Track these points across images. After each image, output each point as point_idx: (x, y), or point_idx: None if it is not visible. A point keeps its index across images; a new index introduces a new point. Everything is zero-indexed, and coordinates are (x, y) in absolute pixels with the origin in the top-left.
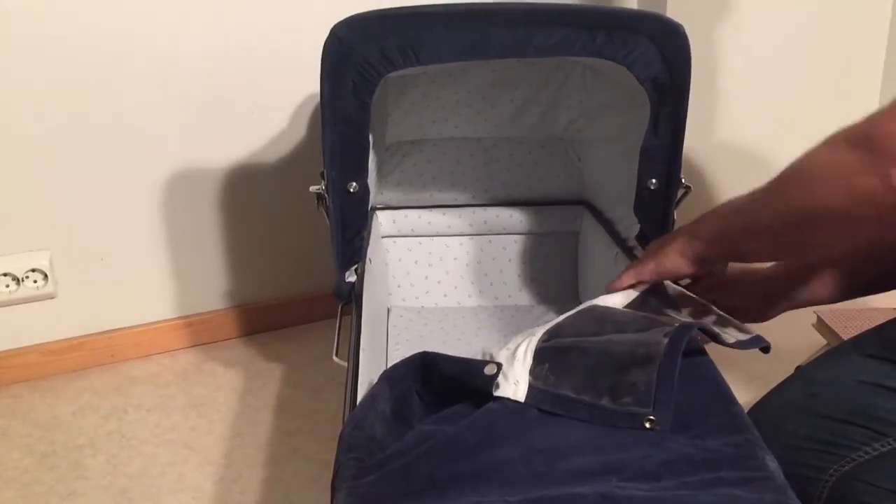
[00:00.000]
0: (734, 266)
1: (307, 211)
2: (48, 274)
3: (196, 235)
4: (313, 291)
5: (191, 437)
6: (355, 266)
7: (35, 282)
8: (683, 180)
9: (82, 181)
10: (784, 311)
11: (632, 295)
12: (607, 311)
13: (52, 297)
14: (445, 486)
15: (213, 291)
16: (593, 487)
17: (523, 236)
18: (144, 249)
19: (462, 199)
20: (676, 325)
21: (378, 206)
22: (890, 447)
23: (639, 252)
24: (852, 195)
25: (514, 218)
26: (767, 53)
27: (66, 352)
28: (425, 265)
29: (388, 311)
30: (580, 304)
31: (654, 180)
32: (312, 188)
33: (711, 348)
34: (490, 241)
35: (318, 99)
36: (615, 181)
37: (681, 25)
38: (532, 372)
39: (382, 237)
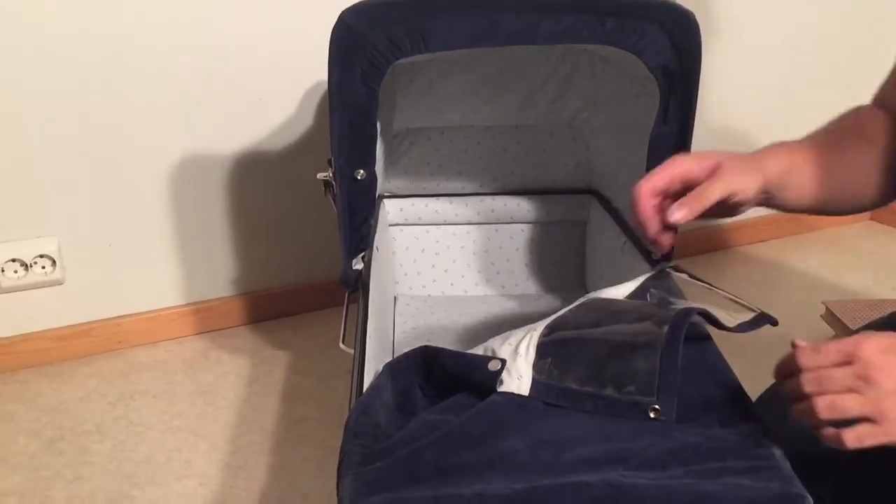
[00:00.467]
0: None
1: (314, 198)
2: (56, 260)
3: (203, 222)
4: (320, 279)
5: (197, 424)
6: (362, 254)
7: (43, 267)
8: None
9: (90, 168)
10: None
11: (633, 286)
12: (608, 303)
13: (60, 283)
14: (451, 473)
15: (220, 279)
16: (599, 476)
17: (531, 225)
18: (152, 236)
19: (469, 187)
20: (676, 310)
21: (385, 195)
22: None
23: (646, 242)
24: None
25: (521, 207)
26: (773, 43)
27: (73, 337)
28: (432, 254)
29: (395, 299)
30: (587, 293)
31: None
32: (320, 175)
33: (719, 337)
34: (497, 230)
35: (325, 86)
36: (623, 170)
37: (691, 13)
38: (535, 366)
39: (389, 225)
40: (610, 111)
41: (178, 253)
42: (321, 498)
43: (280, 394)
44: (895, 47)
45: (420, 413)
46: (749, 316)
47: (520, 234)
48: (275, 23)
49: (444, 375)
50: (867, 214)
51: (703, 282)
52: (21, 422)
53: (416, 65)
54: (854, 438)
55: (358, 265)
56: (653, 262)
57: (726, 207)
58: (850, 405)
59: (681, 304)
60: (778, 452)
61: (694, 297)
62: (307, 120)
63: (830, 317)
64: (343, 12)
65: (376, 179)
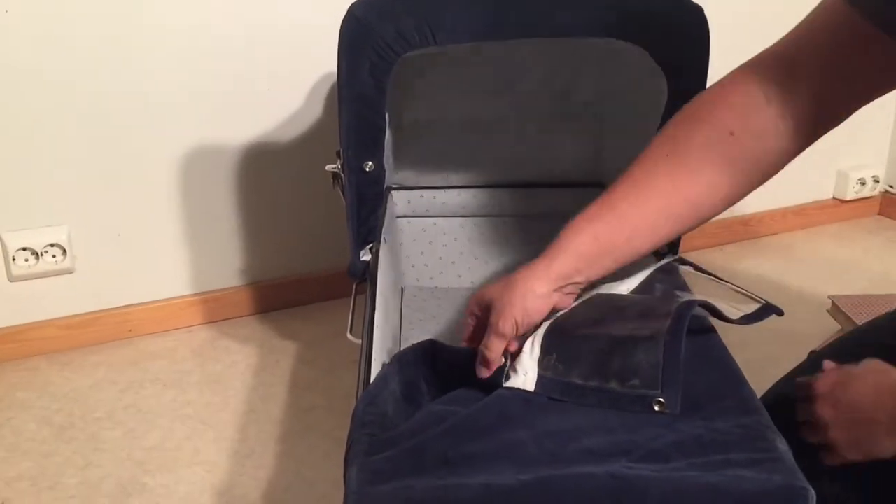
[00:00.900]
0: None
1: (323, 189)
2: (66, 249)
3: (212, 213)
4: (328, 270)
5: (206, 413)
6: (370, 245)
7: (54, 256)
8: None
9: (100, 158)
10: None
11: (638, 279)
12: (612, 298)
13: (70, 272)
14: (458, 463)
15: (229, 268)
16: (603, 467)
17: (539, 218)
18: (161, 226)
19: (477, 180)
20: (679, 303)
21: (393, 186)
22: None
23: None
24: None
25: (529, 199)
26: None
27: (83, 326)
28: (440, 245)
29: (402, 290)
30: (593, 287)
31: None
32: (329, 167)
33: (723, 330)
34: (505, 223)
35: (335, 78)
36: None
37: (699, 6)
38: (540, 363)
39: (397, 217)
40: (618, 104)
41: (187, 243)
42: (328, 486)
43: (288, 383)
44: None
45: (426, 404)
46: (754, 307)
47: (528, 227)
48: (284, 13)
49: (451, 371)
50: (875, 209)
51: (709, 274)
52: (32, 409)
53: (426, 57)
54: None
55: (366, 256)
56: (659, 256)
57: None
58: (808, 435)
59: (685, 297)
60: (781, 445)
61: (700, 289)
62: (316, 111)
63: (836, 311)
64: (352, 5)
65: (384, 171)
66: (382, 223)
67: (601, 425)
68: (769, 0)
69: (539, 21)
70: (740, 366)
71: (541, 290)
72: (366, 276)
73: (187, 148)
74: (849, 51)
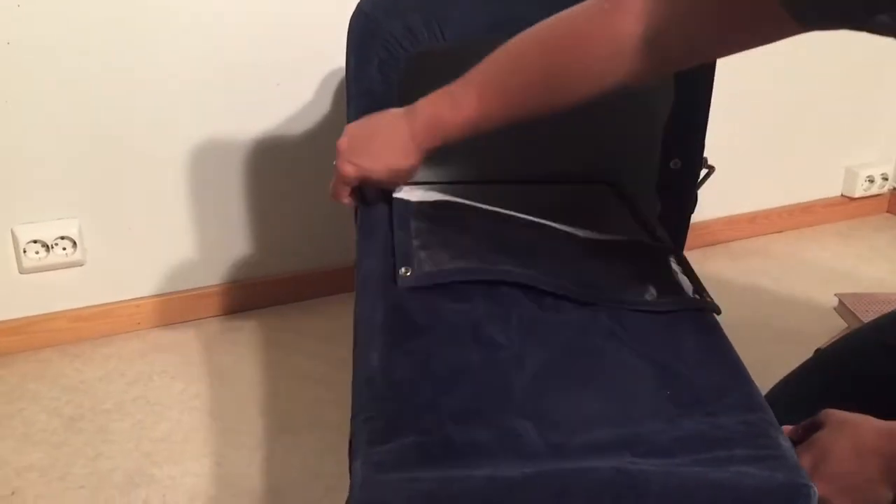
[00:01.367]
0: None
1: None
2: (77, 242)
3: (221, 207)
4: (336, 264)
5: (214, 405)
6: None
7: (64, 249)
8: (708, 160)
9: (110, 152)
10: None
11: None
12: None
13: (80, 265)
14: (462, 454)
15: (237, 262)
16: (608, 462)
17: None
18: (170, 220)
19: (482, 176)
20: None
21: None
22: None
23: (660, 232)
24: None
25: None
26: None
27: (93, 318)
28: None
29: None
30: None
31: (677, 160)
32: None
33: (729, 328)
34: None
35: (343, 73)
36: (638, 159)
37: None
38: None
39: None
40: (624, 101)
41: (195, 236)
42: (334, 479)
43: (295, 377)
44: None
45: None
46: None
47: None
48: (294, 8)
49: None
50: (884, 207)
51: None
52: (43, 400)
53: (433, 52)
54: None
55: None
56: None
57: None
58: None
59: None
60: (784, 442)
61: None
62: (325, 106)
63: (843, 309)
64: (361, 1)
65: None
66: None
67: (607, 417)
68: None
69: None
70: (745, 363)
71: (418, 167)
72: None
73: (196, 142)
74: (746, 16)
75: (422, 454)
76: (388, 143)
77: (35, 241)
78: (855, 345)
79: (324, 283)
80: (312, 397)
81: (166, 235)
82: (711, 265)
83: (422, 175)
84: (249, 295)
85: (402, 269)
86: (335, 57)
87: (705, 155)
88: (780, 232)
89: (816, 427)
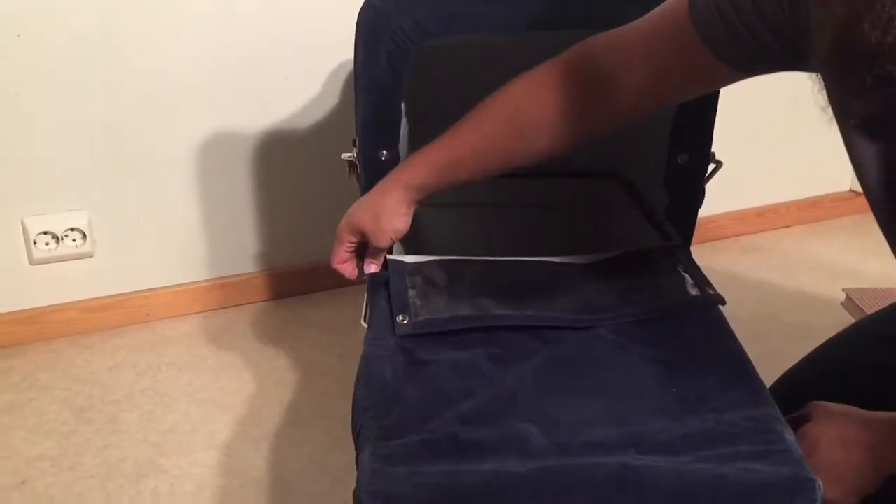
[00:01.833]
0: None
1: (339, 177)
2: (86, 233)
3: (230, 199)
4: None
5: (221, 396)
6: None
7: (74, 241)
8: (715, 155)
9: (120, 145)
10: None
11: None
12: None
13: (90, 256)
14: (469, 450)
15: (245, 254)
16: (612, 458)
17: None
18: (179, 212)
19: None
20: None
21: None
22: None
23: (667, 227)
24: None
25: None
26: None
27: (103, 309)
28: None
29: None
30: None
31: (685, 155)
32: (345, 156)
33: (734, 323)
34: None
35: (352, 66)
36: (646, 152)
37: None
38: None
39: None
40: None
41: (204, 229)
42: (341, 471)
43: (302, 369)
44: None
45: (429, 366)
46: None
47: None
48: (302, 2)
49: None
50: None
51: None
52: (53, 390)
53: (441, 45)
54: None
55: None
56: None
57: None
58: None
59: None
60: (789, 437)
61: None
62: (333, 99)
63: (851, 304)
64: None
65: (400, 160)
66: None
67: (611, 416)
68: None
69: (556, 13)
70: (752, 358)
71: (405, 209)
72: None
73: (205, 135)
74: (678, 61)
75: (429, 450)
76: (371, 191)
77: (45, 233)
78: (854, 338)
79: (331, 276)
80: (320, 390)
81: (175, 228)
82: (719, 260)
83: None
84: (258, 287)
85: (400, 317)
86: (343, 50)
87: (713, 149)
88: (788, 227)
89: (804, 419)
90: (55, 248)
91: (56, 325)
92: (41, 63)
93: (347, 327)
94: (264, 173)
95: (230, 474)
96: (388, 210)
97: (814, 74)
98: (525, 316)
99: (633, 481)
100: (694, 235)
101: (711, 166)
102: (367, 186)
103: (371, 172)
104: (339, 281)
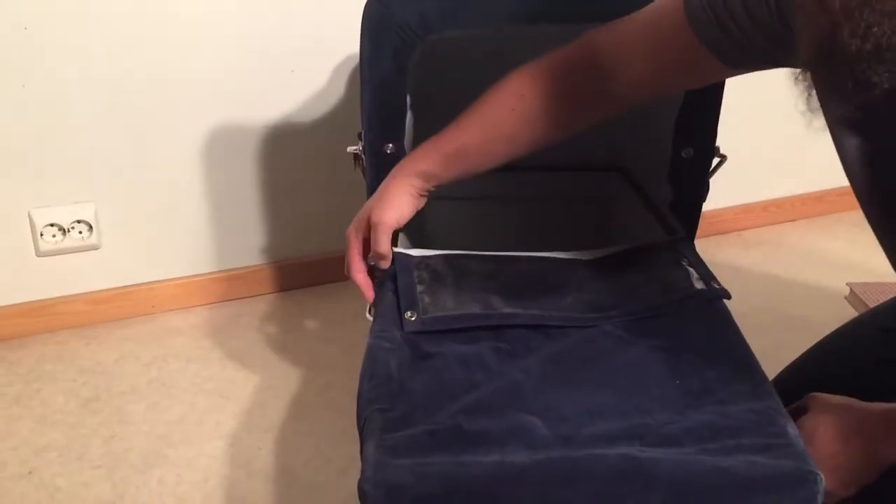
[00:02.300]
0: None
1: (344, 170)
2: (93, 225)
3: (235, 191)
4: None
5: (227, 388)
6: None
7: (80, 233)
8: (720, 149)
9: (127, 137)
10: None
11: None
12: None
13: (96, 248)
14: (473, 441)
15: (251, 247)
16: (616, 450)
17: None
18: (185, 204)
19: None
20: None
21: None
22: None
23: (671, 220)
24: None
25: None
26: None
27: (109, 301)
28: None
29: None
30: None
31: (689, 149)
32: (350, 149)
33: (738, 316)
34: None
35: (357, 59)
36: (649, 147)
37: None
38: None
39: None
40: None
41: (210, 221)
42: (346, 462)
43: (307, 361)
44: None
45: (433, 358)
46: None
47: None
48: None
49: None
50: None
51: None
52: (60, 381)
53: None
54: None
55: None
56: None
57: None
58: None
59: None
60: (792, 430)
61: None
62: (338, 92)
63: (854, 298)
64: None
65: (405, 154)
66: None
67: (616, 408)
68: None
69: (560, 7)
70: (755, 352)
71: (410, 194)
72: None
73: (211, 127)
74: (674, 57)
75: (433, 441)
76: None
77: (52, 225)
78: (855, 330)
79: (336, 269)
80: (325, 382)
81: (181, 220)
82: (724, 254)
83: None
84: (263, 279)
85: (408, 313)
86: (349, 44)
87: (717, 143)
88: (793, 221)
89: (802, 411)
90: (62, 241)
91: (62, 317)
92: (47, 56)
93: (353, 320)
94: (270, 166)
95: (236, 465)
96: (394, 194)
97: (799, 75)
98: (532, 315)
99: (637, 473)
100: (698, 229)
101: (716, 160)
102: (372, 179)
103: (376, 166)
104: (344, 274)
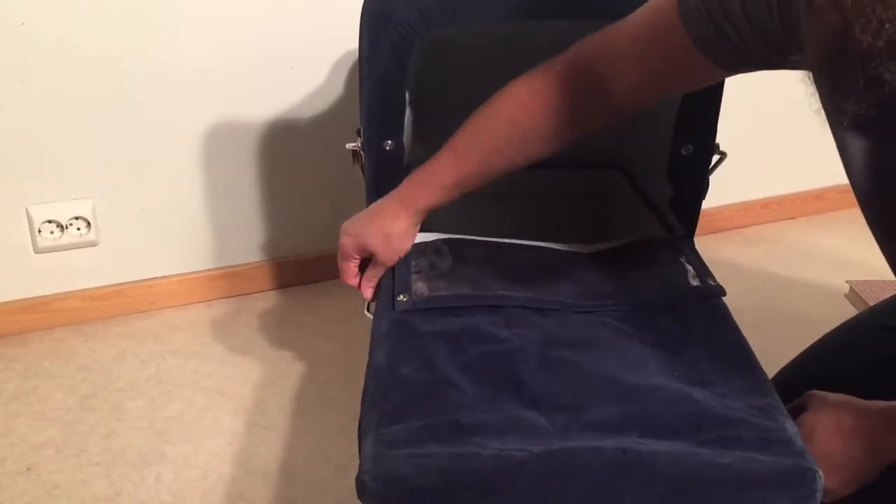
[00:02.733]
0: None
1: (343, 166)
2: (91, 222)
3: (234, 188)
4: None
5: (226, 385)
6: None
7: (78, 229)
8: (720, 146)
9: (125, 133)
10: None
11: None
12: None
13: (94, 245)
14: (470, 433)
15: (250, 243)
16: (614, 441)
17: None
18: (184, 201)
19: None
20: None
21: (413, 165)
22: None
23: (671, 218)
24: None
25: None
26: None
27: (107, 298)
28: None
29: None
30: None
31: (689, 146)
32: (349, 145)
33: (737, 313)
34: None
35: (356, 56)
36: (650, 145)
37: None
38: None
39: None
40: None
41: (209, 218)
42: (345, 459)
43: (306, 358)
44: None
45: (439, 367)
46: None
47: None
48: None
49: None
50: None
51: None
52: (57, 378)
53: (445, 37)
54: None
55: None
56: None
57: None
58: None
59: None
60: (790, 427)
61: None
62: (337, 89)
63: (854, 296)
64: None
65: (404, 150)
66: None
67: (613, 399)
68: None
69: (560, 3)
70: (755, 349)
71: (413, 232)
72: None
73: (210, 124)
74: (669, 61)
75: (431, 433)
76: (377, 211)
77: (50, 221)
78: (855, 328)
79: (335, 266)
80: (324, 379)
81: (180, 216)
82: (724, 251)
83: None
84: (262, 276)
85: (401, 296)
86: (348, 40)
87: (717, 141)
88: (793, 218)
89: (801, 409)
90: (60, 237)
91: (60, 314)
92: (46, 51)
93: (352, 316)
94: (269, 162)
95: (234, 462)
96: (399, 235)
97: (807, 76)
98: (526, 297)
99: (635, 467)
100: (698, 227)
101: (715, 157)
102: (371, 176)
103: (375, 162)
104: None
